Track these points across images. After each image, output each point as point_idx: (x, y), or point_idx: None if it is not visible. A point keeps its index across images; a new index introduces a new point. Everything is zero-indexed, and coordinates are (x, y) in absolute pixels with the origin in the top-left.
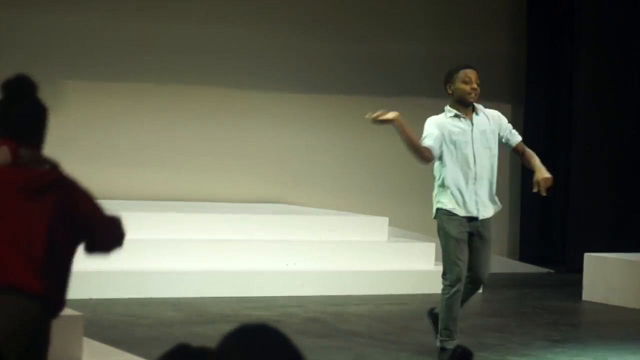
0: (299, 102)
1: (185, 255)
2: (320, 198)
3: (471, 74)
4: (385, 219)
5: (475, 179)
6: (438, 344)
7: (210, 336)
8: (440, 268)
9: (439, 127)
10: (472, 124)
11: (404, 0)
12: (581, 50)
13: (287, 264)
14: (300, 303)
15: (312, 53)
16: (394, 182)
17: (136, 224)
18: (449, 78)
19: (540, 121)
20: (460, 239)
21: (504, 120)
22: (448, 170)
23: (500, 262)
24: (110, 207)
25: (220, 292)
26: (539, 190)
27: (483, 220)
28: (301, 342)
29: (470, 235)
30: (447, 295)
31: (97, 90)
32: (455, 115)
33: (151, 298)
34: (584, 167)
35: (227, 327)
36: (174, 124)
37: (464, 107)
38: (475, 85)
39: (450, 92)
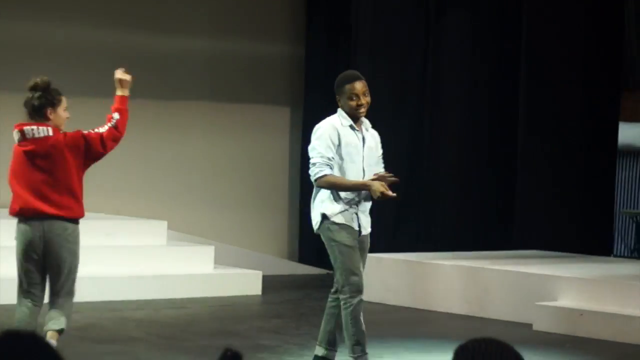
0: (77, 106)
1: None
2: (96, 202)
3: (358, 87)
4: (164, 222)
5: (362, 194)
6: None
7: None
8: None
9: (334, 137)
10: (364, 139)
11: (182, 1)
12: (357, 52)
13: None
14: (77, 309)
15: (84, 51)
16: (173, 185)
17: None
18: (337, 90)
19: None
20: (355, 246)
21: (380, 148)
22: None
23: (279, 263)
24: None
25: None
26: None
27: (366, 235)
28: (79, 349)
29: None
30: (350, 308)
31: None
32: (350, 127)
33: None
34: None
35: None
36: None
37: (355, 120)
38: (362, 101)
39: (340, 105)
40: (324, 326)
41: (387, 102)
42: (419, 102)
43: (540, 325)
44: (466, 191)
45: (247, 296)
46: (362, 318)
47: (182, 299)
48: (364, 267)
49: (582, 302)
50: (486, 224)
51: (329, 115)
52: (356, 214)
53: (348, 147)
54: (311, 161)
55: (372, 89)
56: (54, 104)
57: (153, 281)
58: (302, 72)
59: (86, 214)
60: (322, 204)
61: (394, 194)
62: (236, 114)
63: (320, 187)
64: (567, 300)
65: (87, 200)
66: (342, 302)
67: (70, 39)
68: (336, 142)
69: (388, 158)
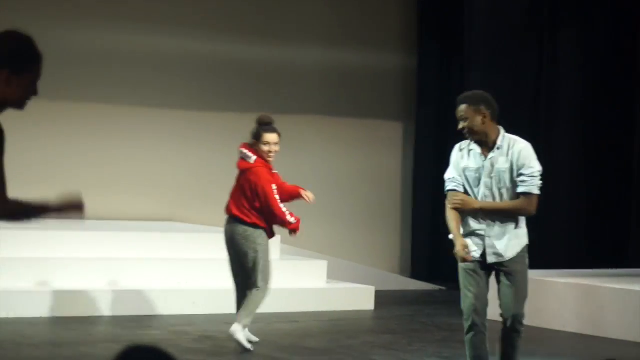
0: (187, 119)
1: (76, 274)
2: (211, 215)
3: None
4: (277, 237)
5: None
6: None
7: (100, 356)
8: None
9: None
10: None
11: (295, 13)
12: (471, 66)
13: (178, 283)
14: (191, 322)
15: (197, 67)
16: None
17: (26, 242)
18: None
19: (431, 139)
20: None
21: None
22: None
23: (391, 279)
24: None
25: (112, 311)
26: None
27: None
28: None
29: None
30: (465, 334)
31: None
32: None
33: (40, 317)
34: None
35: (118, 348)
36: (62, 142)
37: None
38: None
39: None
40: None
41: (499, 118)
42: (531, 117)
43: None
44: (580, 208)
45: (359, 311)
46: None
47: (294, 313)
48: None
49: None
50: (601, 241)
51: (441, 130)
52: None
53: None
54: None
55: None
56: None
57: None
58: (414, 86)
59: (203, 227)
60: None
61: None
62: (349, 129)
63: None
64: None
65: (203, 214)
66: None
67: (185, 52)
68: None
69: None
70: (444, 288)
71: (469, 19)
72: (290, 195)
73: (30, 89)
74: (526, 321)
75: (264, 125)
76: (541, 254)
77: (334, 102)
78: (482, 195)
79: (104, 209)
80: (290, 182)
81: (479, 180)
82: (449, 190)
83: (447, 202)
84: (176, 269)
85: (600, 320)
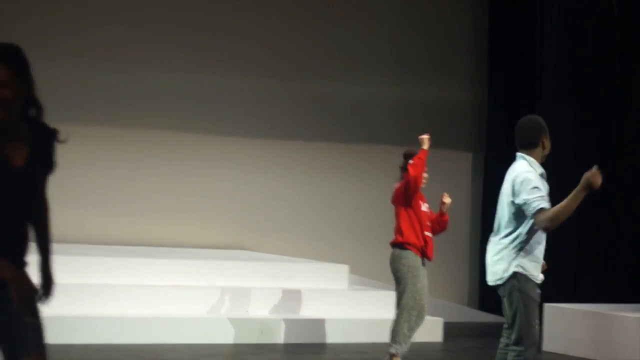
0: (261, 147)
1: (144, 301)
2: (281, 245)
3: None
4: (346, 267)
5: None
6: None
7: None
8: None
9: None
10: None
11: (367, 46)
12: (541, 97)
13: (247, 311)
14: (258, 350)
15: (273, 98)
16: (355, 229)
17: (93, 269)
18: (541, 133)
19: (502, 171)
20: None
21: None
22: (534, 231)
23: (460, 310)
24: (66, 251)
25: (178, 338)
26: None
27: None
28: None
29: None
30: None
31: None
32: (541, 175)
33: (107, 344)
34: None
35: None
36: (135, 169)
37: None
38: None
39: (543, 147)
40: None
41: (571, 149)
42: (602, 147)
43: None
44: None
45: (428, 343)
46: None
47: (362, 344)
48: None
49: None
50: None
51: (511, 161)
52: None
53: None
54: (528, 201)
55: (556, 135)
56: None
57: (334, 325)
58: (484, 117)
59: (266, 255)
60: (516, 252)
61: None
62: None
63: (541, 224)
64: None
65: (268, 243)
66: (514, 355)
67: (262, 88)
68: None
69: (577, 208)
70: None
71: (539, 49)
72: (437, 222)
73: None
74: (595, 355)
75: (410, 157)
76: (609, 285)
77: (404, 133)
78: None
79: (173, 236)
80: (358, 210)
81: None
82: (541, 208)
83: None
84: (244, 297)
85: None
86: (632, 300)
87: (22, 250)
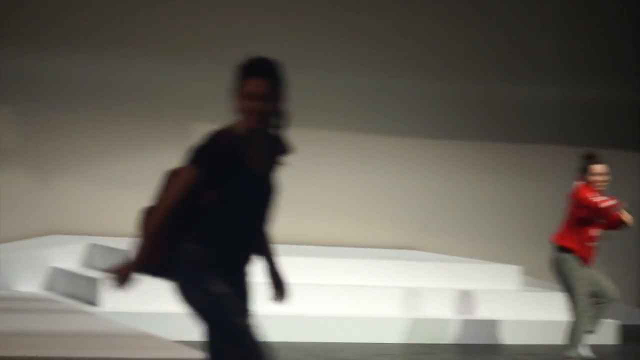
0: (430, 148)
1: (317, 300)
2: (454, 245)
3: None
4: (518, 268)
5: None
6: None
7: None
8: None
9: None
10: None
11: (534, 45)
12: None
13: (419, 311)
14: (430, 351)
15: (442, 99)
16: (529, 230)
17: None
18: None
19: None
20: None
21: None
22: None
23: (636, 313)
24: None
25: (350, 338)
26: None
27: None
28: None
29: None
30: None
31: None
32: None
33: (282, 342)
34: None
35: None
36: (301, 169)
37: None
38: None
39: None
40: None
41: None
42: None
43: None
44: None
45: (603, 345)
46: None
47: (537, 345)
48: None
49: None
50: None
51: None
52: None
53: None
54: None
55: None
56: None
57: (506, 326)
58: None
59: (436, 255)
60: None
61: None
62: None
63: None
64: None
65: (439, 243)
66: None
67: (430, 89)
68: None
69: None
70: None
71: None
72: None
73: None
74: None
75: (590, 159)
76: None
77: (571, 132)
78: None
79: (345, 235)
80: (531, 210)
81: None
82: None
83: None
84: (416, 297)
85: None
86: None
87: (256, 250)
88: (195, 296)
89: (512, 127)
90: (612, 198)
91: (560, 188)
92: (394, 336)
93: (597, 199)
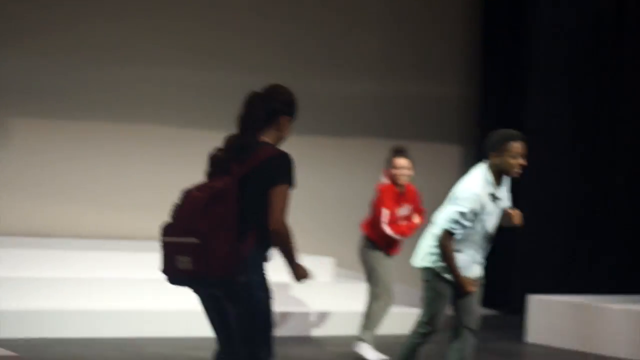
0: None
1: (126, 295)
2: None
3: (522, 148)
4: (331, 259)
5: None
6: None
7: None
8: None
9: (477, 204)
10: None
11: (356, 41)
12: (532, 93)
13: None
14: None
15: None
16: (341, 222)
17: (77, 263)
18: (498, 146)
19: None
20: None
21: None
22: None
23: None
24: (54, 245)
25: (161, 332)
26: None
27: None
28: None
29: None
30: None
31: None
32: (492, 186)
33: (91, 338)
34: (530, 209)
35: None
36: (108, 164)
37: (499, 178)
38: (523, 162)
39: (495, 161)
40: None
41: (561, 146)
42: (593, 143)
43: None
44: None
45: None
46: None
47: (346, 337)
48: None
49: None
50: None
51: None
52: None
53: (484, 210)
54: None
55: (547, 132)
56: None
57: (319, 318)
58: (476, 112)
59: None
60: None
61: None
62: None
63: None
64: None
65: None
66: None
67: (250, 83)
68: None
69: (558, 197)
70: (496, 313)
71: (532, 44)
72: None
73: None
74: (579, 346)
75: (396, 152)
76: (596, 276)
77: (391, 127)
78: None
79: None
80: (344, 203)
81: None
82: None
83: None
84: None
85: None
86: (617, 292)
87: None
88: (262, 296)
89: (329, 121)
90: (408, 228)
91: (375, 181)
92: (206, 330)
93: (386, 219)
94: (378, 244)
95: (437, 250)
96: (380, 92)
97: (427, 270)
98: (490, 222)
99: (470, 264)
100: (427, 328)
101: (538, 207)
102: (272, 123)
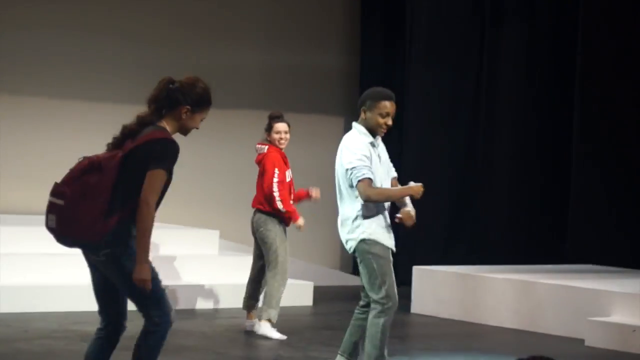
0: (115, 112)
1: (9, 270)
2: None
3: (391, 108)
4: (216, 232)
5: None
6: None
7: (36, 352)
8: None
9: (366, 148)
10: (379, 155)
11: (237, 11)
12: (412, 65)
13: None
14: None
15: (144, 65)
16: (225, 194)
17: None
18: (367, 103)
19: None
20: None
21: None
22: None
23: (331, 274)
24: None
25: (47, 307)
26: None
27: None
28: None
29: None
30: (387, 317)
31: None
32: (371, 143)
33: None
34: (416, 179)
35: (54, 343)
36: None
37: (374, 136)
38: (390, 122)
39: (364, 117)
40: (349, 337)
41: (441, 114)
42: (472, 114)
43: (592, 341)
44: (519, 204)
45: (298, 307)
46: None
47: (234, 309)
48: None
49: (636, 318)
50: (539, 237)
51: None
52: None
53: (373, 163)
54: (350, 166)
55: (427, 101)
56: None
57: (204, 291)
58: (356, 83)
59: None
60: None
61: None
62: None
63: (368, 197)
64: (620, 316)
65: None
66: (378, 311)
67: (126, 53)
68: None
69: (441, 169)
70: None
71: (410, 15)
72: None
73: (197, 124)
74: (463, 316)
75: (273, 118)
76: (479, 248)
77: (275, 98)
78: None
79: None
80: (228, 175)
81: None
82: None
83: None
84: None
85: (537, 316)
86: (501, 262)
87: None
88: (130, 266)
89: (213, 92)
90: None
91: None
92: (91, 304)
93: (277, 194)
94: (275, 216)
95: (359, 222)
96: (264, 63)
97: (360, 243)
98: (379, 176)
99: (386, 229)
100: (387, 302)
101: (420, 179)
102: (174, 111)
